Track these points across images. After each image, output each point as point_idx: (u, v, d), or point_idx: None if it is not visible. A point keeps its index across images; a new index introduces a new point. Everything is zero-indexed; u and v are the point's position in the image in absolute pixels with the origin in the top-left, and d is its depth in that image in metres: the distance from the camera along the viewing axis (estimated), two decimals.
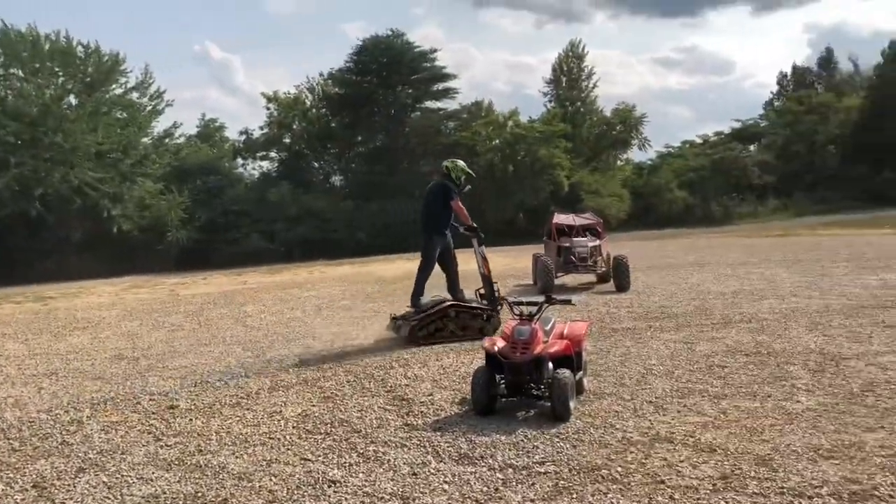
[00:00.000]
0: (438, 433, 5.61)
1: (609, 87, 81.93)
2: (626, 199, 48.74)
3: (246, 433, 5.95)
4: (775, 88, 69.11)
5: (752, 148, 59.87)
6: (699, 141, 58.51)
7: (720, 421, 5.54)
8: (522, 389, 6.01)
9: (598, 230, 16.16)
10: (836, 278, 14.22)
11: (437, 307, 9.27)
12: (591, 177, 49.61)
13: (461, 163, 10.04)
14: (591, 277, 15.45)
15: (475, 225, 9.81)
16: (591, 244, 15.17)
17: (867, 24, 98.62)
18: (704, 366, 7.32)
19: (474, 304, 9.45)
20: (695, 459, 4.79)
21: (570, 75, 58.64)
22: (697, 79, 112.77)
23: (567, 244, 15.05)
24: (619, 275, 14.14)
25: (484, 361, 6.29)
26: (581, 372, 6.41)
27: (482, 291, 9.44)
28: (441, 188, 9.68)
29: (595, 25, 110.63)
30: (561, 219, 16.48)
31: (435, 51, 52.40)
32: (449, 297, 9.61)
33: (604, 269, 14.92)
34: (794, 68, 69.21)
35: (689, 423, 5.54)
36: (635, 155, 59.24)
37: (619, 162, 57.72)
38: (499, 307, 8.94)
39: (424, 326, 9.22)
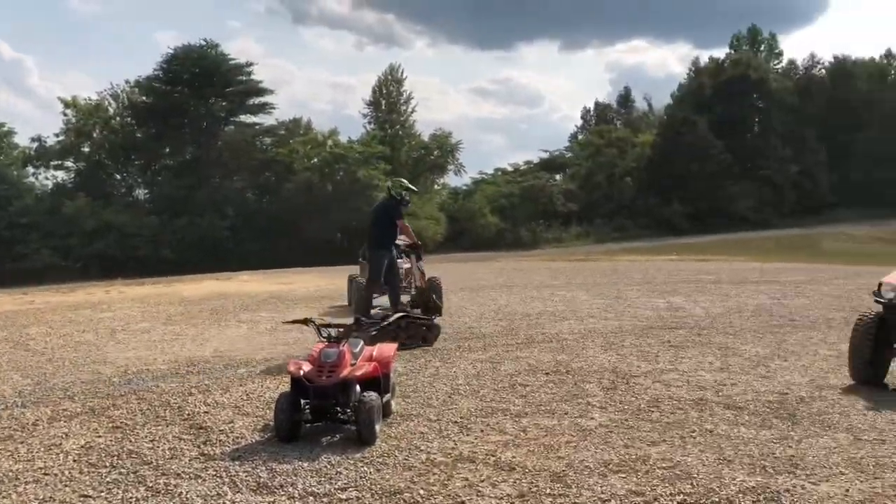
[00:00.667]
0: (237, 462, 5.33)
1: (427, 112, 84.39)
2: (442, 222, 49.91)
3: (17, 470, 5.34)
4: (580, 122, 74.25)
5: (558, 177, 63.55)
6: (510, 169, 61.34)
7: (520, 439, 5.69)
8: (328, 414, 5.86)
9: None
10: (629, 301, 15.25)
11: (393, 318, 9.53)
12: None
13: (402, 180, 10.51)
14: (407, 298, 15.54)
15: (418, 242, 10.46)
16: (406, 265, 15.28)
17: (661, 67, 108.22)
18: (508, 385, 7.53)
19: (419, 315, 9.89)
20: (495, 479, 4.87)
21: (389, 98, 59.48)
22: (510, 109, 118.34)
23: None
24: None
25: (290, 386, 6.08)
26: (389, 394, 6.36)
27: (410, 301, 10.15)
28: (387, 207, 10.21)
29: (415, 51, 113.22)
30: None
31: (251, 64, 51.29)
32: (394, 309, 10.03)
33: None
34: (597, 104, 74.70)
35: (492, 442, 5.64)
36: (451, 180, 61.04)
37: (436, 186, 59.14)
38: (436, 316, 9.89)
39: (381, 337, 9.07)
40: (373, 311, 9.94)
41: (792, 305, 13.95)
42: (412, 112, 59.85)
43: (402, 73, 60.16)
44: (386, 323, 9.40)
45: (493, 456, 5.29)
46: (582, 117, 74.15)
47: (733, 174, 55.91)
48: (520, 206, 53.67)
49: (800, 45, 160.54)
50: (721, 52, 69.58)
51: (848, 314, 12.66)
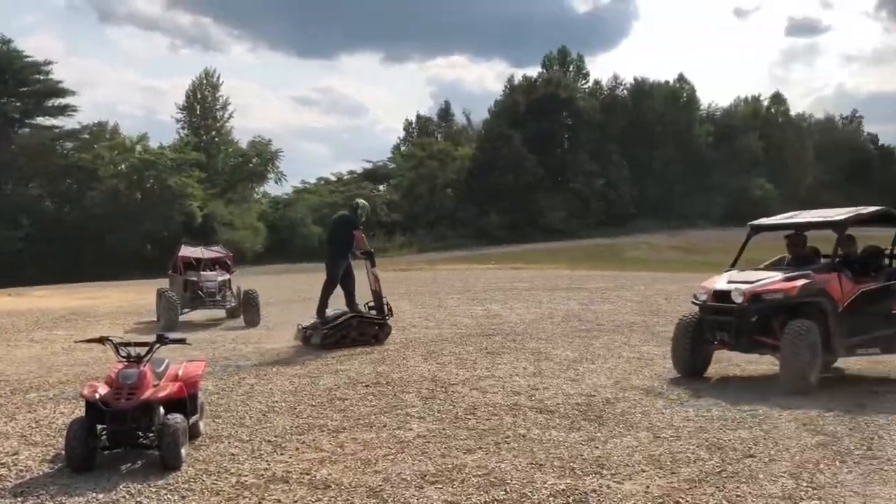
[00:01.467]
0: (20, 498, 4.78)
1: (246, 119, 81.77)
2: (262, 232, 48.57)
3: None
4: (402, 134, 74.93)
5: (381, 188, 63.89)
6: (334, 178, 60.87)
7: (337, 455, 5.54)
8: (128, 439, 5.41)
9: (228, 263, 15.69)
10: (449, 309, 15.52)
11: (343, 318, 10.53)
12: (226, 208, 48.61)
13: (366, 203, 11.94)
14: (221, 313, 14.90)
15: (371, 250, 11.37)
16: (220, 278, 14.66)
17: (479, 83, 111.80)
18: (326, 399, 7.35)
19: (371, 315, 10.87)
20: (309, 498, 4.68)
21: (204, 103, 57.14)
22: (334, 119, 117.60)
23: (195, 278, 14.36)
24: (249, 310, 13.84)
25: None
26: (197, 415, 5.98)
27: (371, 304, 11.00)
28: (347, 220, 11.24)
29: (233, 56, 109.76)
30: (188, 251, 15.67)
31: (50, 63, 47.43)
32: (348, 309, 10.83)
33: (234, 304, 14.48)
34: (419, 117, 75.83)
35: (307, 459, 5.44)
36: (272, 189, 59.56)
37: (255, 195, 57.50)
38: (388, 317, 10.94)
39: (333, 335, 10.31)
40: (328, 312, 10.81)
41: (598, 311, 14.79)
42: (229, 118, 57.93)
43: (219, 77, 58.10)
44: (338, 322, 10.40)
45: (307, 474, 5.10)
46: (405, 129, 75.02)
47: (546, 187, 58.82)
48: None
49: (605, 67, 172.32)
50: (534, 71, 73.23)
51: (647, 318, 13.63)
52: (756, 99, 74.89)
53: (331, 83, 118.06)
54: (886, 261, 8.56)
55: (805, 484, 4.82)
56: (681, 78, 69.30)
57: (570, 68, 70.08)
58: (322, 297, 10.94)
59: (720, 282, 8.22)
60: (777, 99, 74.69)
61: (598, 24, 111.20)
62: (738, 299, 7.76)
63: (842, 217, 8.21)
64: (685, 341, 8.16)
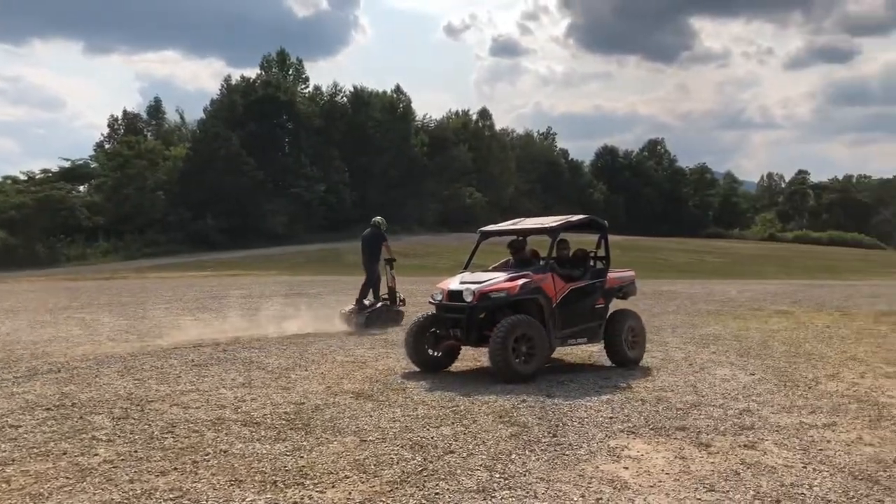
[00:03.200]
0: None
1: None
2: None
3: None
4: (106, 131, 68.91)
5: (81, 188, 58.32)
6: (24, 177, 54.22)
7: (2, 492, 4.78)
8: None
9: None
10: (155, 320, 14.47)
11: (378, 305, 13.71)
12: None
13: (384, 219, 14.57)
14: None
15: (395, 258, 14.14)
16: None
17: (194, 80, 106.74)
18: None
19: (392, 305, 13.91)
20: None
21: None
22: (24, 111, 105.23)
23: None
24: None
25: None
26: None
27: (386, 296, 13.92)
28: (378, 234, 14.13)
29: None
30: None
31: None
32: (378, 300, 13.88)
33: None
34: (125, 113, 70.28)
35: None
36: None
37: None
38: (402, 305, 14.00)
39: (371, 316, 13.29)
40: (365, 301, 13.68)
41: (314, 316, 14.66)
42: None
43: None
44: (375, 308, 13.57)
45: None
46: (109, 126, 69.00)
47: (266, 191, 57.66)
48: (35, 218, 47.81)
49: (325, 74, 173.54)
50: (252, 72, 71.41)
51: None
52: (465, 113, 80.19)
53: (20, 71, 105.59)
54: (592, 262, 9.72)
55: (498, 475, 5.06)
56: (398, 89, 71.88)
57: (290, 72, 69.46)
58: (362, 291, 13.79)
59: (453, 283, 8.88)
60: (484, 114, 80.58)
61: (318, 31, 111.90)
62: (469, 298, 8.47)
63: (555, 224, 9.19)
64: (418, 338, 8.85)
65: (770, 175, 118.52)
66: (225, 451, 5.61)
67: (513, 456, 5.48)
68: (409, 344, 8.94)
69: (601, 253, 9.79)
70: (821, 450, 5.62)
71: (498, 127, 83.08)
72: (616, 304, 9.78)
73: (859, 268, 47.53)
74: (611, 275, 9.51)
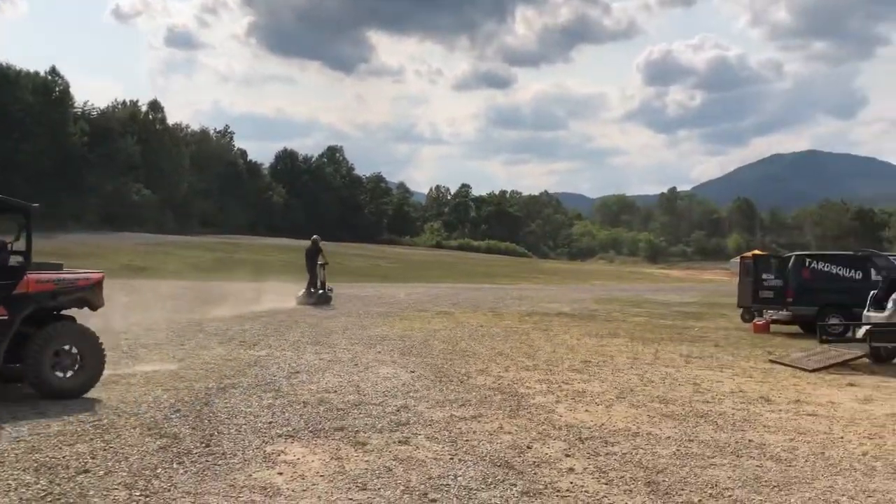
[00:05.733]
0: None
1: None
2: None
3: None
4: None
5: None
6: None
7: None
8: None
9: None
10: None
11: (322, 292, 19.67)
12: None
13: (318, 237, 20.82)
14: None
15: (328, 262, 20.56)
16: None
17: None
18: None
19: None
20: None
21: None
22: None
23: None
24: None
25: None
26: None
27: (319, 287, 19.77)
28: (317, 245, 20.12)
29: None
30: None
31: None
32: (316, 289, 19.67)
33: None
34: None
35: None
36: None
37: None
38: (331, 292, 20.18)
39: (319, 299, 19.26)
40: (311, 290, 19.43)
41: None
42: None
43: None
44: (321, 293, 19.47)
45: None
46: None
47: None
48: None
49: None
50: None
51: None
52: (134, 104, 74.49)
53: None
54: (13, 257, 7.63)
55: (139, 493, 4.57)
56: (53, 71, 64.45)
57: None
58: (310, 283, 19.47)
59: None
60: (155, 106, 75.52)
61: None
62: None
63: None
64: None
65: (438, 187, 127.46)
66: None
67: (158, 471, 5.00)
68: None
69: (20, 246, 7.54)
70: (467, 440, 5.96)
71: (172, 121, 78.52)
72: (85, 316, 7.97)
73: (510, 273, 52.87)
74: (33, 276, 7.21)
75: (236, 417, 6.53)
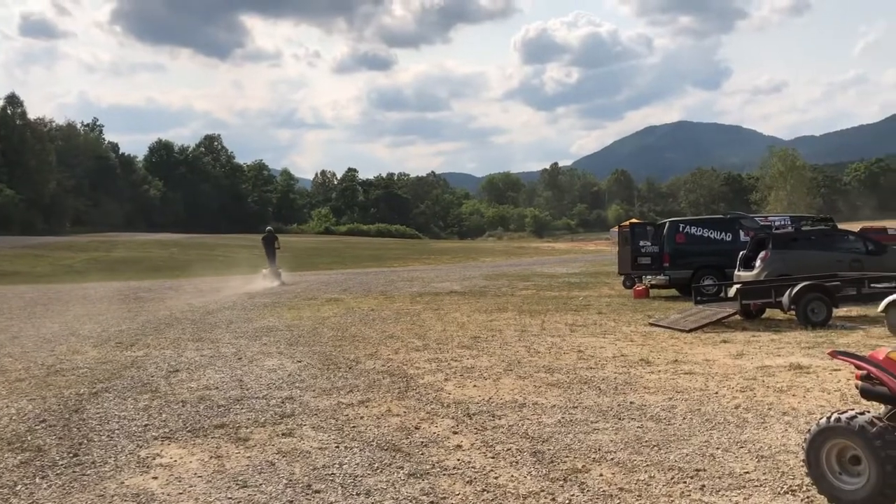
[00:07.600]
0: None
1: None
2: None
3: None
4: None
5: None
6: None
7: None
8: None
9: None
10: None
11: (281, 274, 24.13)
12: None
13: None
14: None
15: (280, 247, 25.08)
16: None
17: None
18: None
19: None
20: None
21: None
22: None
23: None
24: None
25: None
26: None
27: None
28: (273, 233, 24.68)
29: None
30: None
31: None
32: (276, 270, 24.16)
33: None
34: None
35: None
36: None
37: None
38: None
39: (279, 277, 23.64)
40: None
41: None
42: None
43: None
44: (279, 273, 24.03)
45: None
46: None
47: None
48: None
49: None
50: None
51: None
52: None
53: None
54: None
55: None
56: None
57: None
58: (270, 266, 23.96)
59: None
60: (14, 100, 70.80)
61: None
62: None
63: None
64: None
65: (324, 172, 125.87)
66: None
67: (18, 487, 4.64)
68: None
69: None
70: (354, 427, 5.84)
71: (33, 116, 73.81)
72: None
73: (401, 255, 52.79)
74: None
75: (108, 423, 6.17)
